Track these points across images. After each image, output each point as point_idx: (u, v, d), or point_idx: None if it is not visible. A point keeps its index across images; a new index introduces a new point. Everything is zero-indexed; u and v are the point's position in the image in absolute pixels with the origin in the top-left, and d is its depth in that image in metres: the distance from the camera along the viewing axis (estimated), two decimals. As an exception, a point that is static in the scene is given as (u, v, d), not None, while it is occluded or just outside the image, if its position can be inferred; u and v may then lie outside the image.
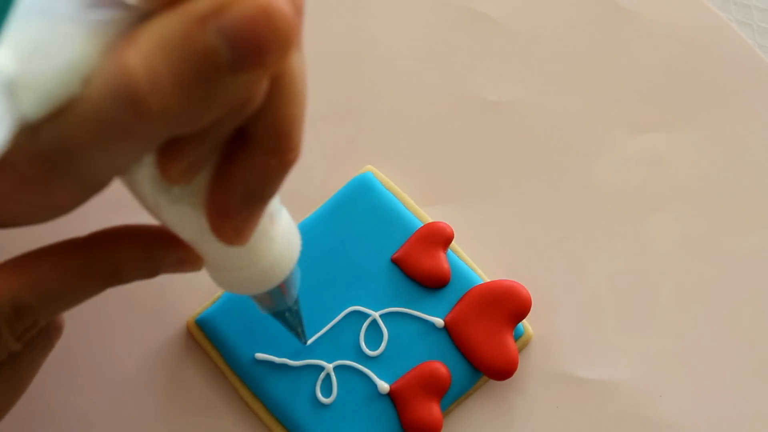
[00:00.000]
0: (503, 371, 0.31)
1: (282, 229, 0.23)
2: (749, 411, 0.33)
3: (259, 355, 0.32)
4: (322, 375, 0.31)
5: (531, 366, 0.33)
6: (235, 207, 0.20)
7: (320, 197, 0.34)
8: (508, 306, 0.32)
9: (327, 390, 0.31)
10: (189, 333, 0.33)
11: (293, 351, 0.32)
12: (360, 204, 0.33)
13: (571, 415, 0.33)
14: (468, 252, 0.34)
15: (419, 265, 0.32)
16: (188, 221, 0.21)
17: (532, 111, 0.36)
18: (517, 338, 0.32)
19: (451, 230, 0.33)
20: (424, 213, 0.34)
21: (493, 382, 0.33)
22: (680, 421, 0.33)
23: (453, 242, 0.33)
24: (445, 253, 0.33)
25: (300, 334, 0.30)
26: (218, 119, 0.18)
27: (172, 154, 0.19)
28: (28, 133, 0.18)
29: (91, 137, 0.18)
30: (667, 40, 0.37)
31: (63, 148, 0.18)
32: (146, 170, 0.20)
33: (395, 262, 0.33)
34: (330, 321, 0.32)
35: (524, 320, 0.33)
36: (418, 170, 0.35)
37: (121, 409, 0.32)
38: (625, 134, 0.36)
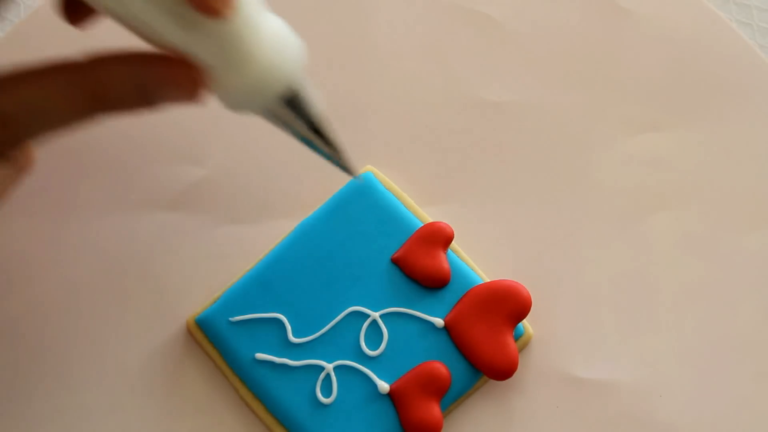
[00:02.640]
0: (503, 371, 0.31)
1: (273, 27, 0.23)
2: (749, 411, 0.33)
3: (259, 355, 0.32)
4: (322, 375, 0.31)
5: (531, 366, 0.33)
6: None
7: (320, 197, 0.34)
8: (508, 306, 0.32)
9: (327, 390, 0.31)
10: (189, 333, 0.33)
11: (293, 351, 0.32)
12: (360, 204, 0.33)
13: (571, 415, 0.33)
14: (468, 252, 0.34)
15: (419, 265, 0.32)
16: (168, 19, 0.21)
17: (532, 111, 0.36)
18: (517, 338, 0.32)
19: (451, 230, 0.33)
20: (424, 213, 0.34)
21: (493, 382, 0.33)
22: (680, 421, 0.33)
23: (453, 242, 0.33)
24: (445, 253, 0.33)
25: (339, 164, 0.26)
26: None
27: None
28: None
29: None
30: (667, 40, 0.37)
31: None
32: None
33: (395, 262, 0.33)
34: (330, 321, 0.32)
35: (524, 320, 0.33)
36: (418, 170, 0.35)
37: (121, 409, 0.32)
38: (625, 134, 0.36)
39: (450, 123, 0.36)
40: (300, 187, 0.34)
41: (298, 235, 0.33)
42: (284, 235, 0.34)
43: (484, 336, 0.32)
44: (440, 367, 0.31)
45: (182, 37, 0.22)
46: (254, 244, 0.34)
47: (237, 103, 0.23)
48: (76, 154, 0.34)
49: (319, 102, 0.25)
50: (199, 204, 0.34)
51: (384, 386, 0.31)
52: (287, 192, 0.34)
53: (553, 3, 0.37)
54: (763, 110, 0.36)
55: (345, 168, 0.27)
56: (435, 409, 0.31)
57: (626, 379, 0.33)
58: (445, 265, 0.33)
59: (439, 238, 0.33)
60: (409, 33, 0.37)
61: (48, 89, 0.22)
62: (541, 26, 0.37)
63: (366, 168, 0.35)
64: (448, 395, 0.31)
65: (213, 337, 0.32)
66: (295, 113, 0.24)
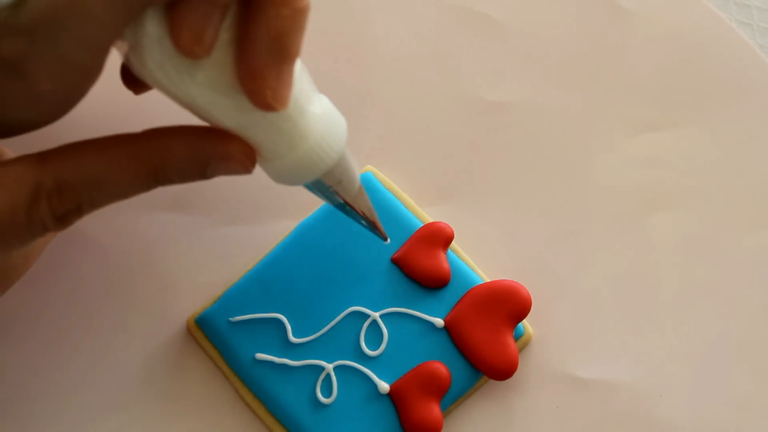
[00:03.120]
0: (503, 371, 0.31)
1: (322, 108, 0.24)
2: (749, 411, 0.33)
3: (259, 355, 0.32)
4: (322, 375, 0.31)
5: (531, 366, 0.33)
6: (264, 66, 0.21)
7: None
8: (508, 306, 0.32)
9: (327, 390, 0.31)
10: (189, 333, 0.33)
11: (293, 351, 0.32)
12: (360, 204, 0.33)
13: (571, 415, 0.33)
14: (468, 252, 0.34)
15: (419, 265, 0.32)
16: (223, 104, 0.22)
17: (532, 111, 0.36)
18: (517, 338, 0.32)
19: (451, 230, 0.33)
20: (424, 213, 0.34)
21: (493, 382, 0.33)
22: (680, 421, 0.33)
23: (453, 242, 0.33)
24: (445, 253, 0.33)
25: (374, 230, 0.30)
26: None
27: (179, 21, 0.20)
28: (12, 9, 0.19)
29: (66, 2, 0.19)
30: (667, 40, 0.37)
31: (43, 18, 0.19)
32: (165, 55, 0.21)
33: (395, 262, 0.33)
34: (330, 321, 0.32)
35: (524, 320, 0.33)
36: (418, 170, 0.35)
37: (121, 409, 0.32)
38: (625, 134, 0.36)
39: (450, 123, 0.36)
40: (300, 187, 0.34)
41: (298, 235, 0.33)
42: (284, 235, 0.34)
43: (484, 336, 0.32)
44: (440, 367, 0.31)
45: (236, 120, 0.23)
46: (254, 244, 0.34)
47: (283, 178, 0.25)
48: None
49: (357, 176, 0.27)
50: (199, 204, 0.34)
51: (384, 386, 0.31)
52: (287, 192, 0.34)
53: (553, 3, 0.37)
54: (763, 110, 0.36)
55: (377, 234, 0.30)
56: (435, 409, 0.31)
57: (626, 379, 0.33)
58: (445, 265, 0.33)
59: (439, 238, 0.33)
60: (409, 33, 0.37)
61: (109, 162, 0.22)
62: (542, 26, 0.37)
63: (366, 168, 0.35)
64: (448, 395, 0.31)
65: (213, 337, 0.32)
66: (335, 187, 0.26)
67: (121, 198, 0.23)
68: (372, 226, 0.30)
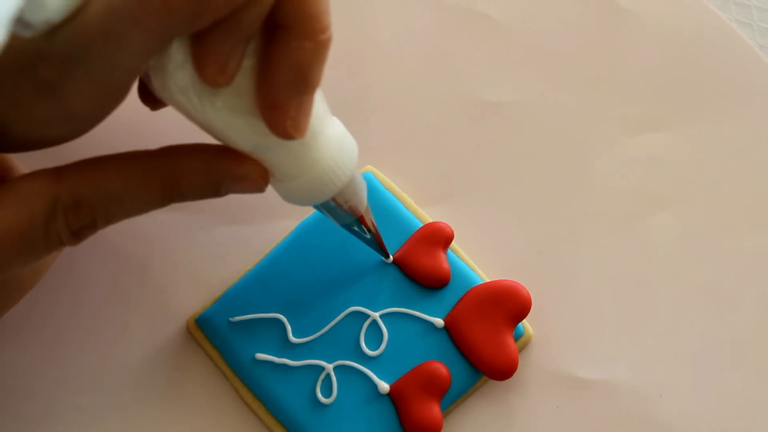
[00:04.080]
0: (503, 371, 0.31)
1: (336, 132, 0.24)
2: (749, 411, 0.33)
3: (259, 355, 0.32)
4: (322, 375, 0.31)
5: (531, 366, 0.33)
6: (286, 96, 0.22)
7: (320, 197, 0.34)
8: (508, 306, 0.32)
9: (327, 390, 0.31)
10: (189, 333, 0.33)
11: (293, 351, 0.32)
12: (360, 204, 0.33)
13: (571, 415, 0.33)
14: (468, 252, 0.34)
15: (419, 265, 0.32)
16: (241, 128, 0.22)
17: (532, 111, 0.36)
18: (517, 338, 0.32)
19: (451, 230, 0.33)
20: (424, 213, 0.34)
21: (493, 383, 0.33)
22: (680, 421, 0.33)
23: (453, 242, 0.33)
24: (445, 253, 0.33)
25: (379, 250, 0.31)
26: (235, 8, 0.20)
27: (204, 53, 0.21)
28: (48, 35, 0.19)
29: (101, 32, 0.19)
30: (667, 40, 0.37)
31: (78, 45, 0.20)
32: (187, 80, 0.21)
33: (395, 262, 0.33)
34: (330, 321, 0.32)
35: (524, 320, 0.33)
36: (418, 170, 0.35)
37: (121, 409, 0.32)
38: (625, 134, 0.36)
39: (450, 123, 0.36)
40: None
41: (298, 235, 0.33)
42: (284, 235, 0.34)
43: (484, 336, 0.32)
44: (440, 367, 0.31)
45: (252, 144, 0.23)
46: (254, 244, 0.34)
47: (294, 198, 0.25)
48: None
49: (365, 196, 0.27)
50: (199, 204, 0.34)
51: (384, 386, 0.31)
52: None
53: (553, 3, 0.37)
54: (763, 110, 0.36)
55: (381, 252, 0.31)
56: (435, 409, 0.31)
57: (626, 379, 0.33)
58: (445, 265, 0.33)
59: (439, 238, 0.33)
60: (409, 33, 0.37)
61: (126, 179, 0.23)
62: (541, 26, 0.37)
63: (366, 168, 0.35)
64: (448, 395, 0.31)
65: (213, 337, 0.32)
66: (344, 207, 0.27)
67: (136, 214, 0.24)
68: (377, 244, 0.31)
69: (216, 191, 0.24)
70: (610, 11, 0.37)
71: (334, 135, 0.24)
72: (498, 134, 0.36)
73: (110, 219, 0.23)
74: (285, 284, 0.33)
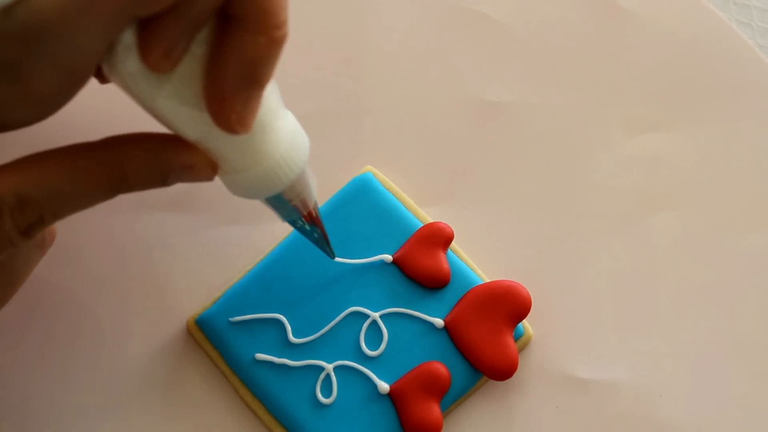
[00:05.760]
0: (503, 371, 0.31)
1: (287, 126, 0.24)
2: (749, 411, 0.33)
3: (259, 355, 0.32)
4: (322, 375, 0.31)
5: (531, 366, 0.33)
6: (233, 90, 0.21)
7: (320, 197, 0.34)
8: (508, 306, 0.32)
9: (327, 390, 0.31)
10: (189, 333, 0.33)
11: (293, 351, 0.32)
12: (360, 204, 0.33)
13: (571, 415, 0.33)
14: (468, 252, 0.34)
15: (419, 265, 0.32)
16: (188, 117, 0.22)
17: (532, 111, 0.36)
18: (517, 338, 0.32)
19: (451, 230, 0.33)
20: (424, 213, 0.34)
21: (493, 383, 0.33)
22: (680, 421, 0.33)
23: (453, 242, 0.33)
24: (445, 253, 0.33)
25: (324, 248, 0.30)
26: None
27: (149, 39, 0.20)
28: (2, 15, 0.19)
29: (57, 12, 0.19)
30: (667, 40, 0.37)
31: (34, 25, 0.19)
32: (135, 65, 0.21)
33: (395, 262, 0.33)
34: (330, 321, 0.32)
35: (524, 320, 0.33)
36: (418, 170, 0.35)
37: (121, 409, 0.32)
38: (625, 134, 0.36)
39: (450, 123, 0.36)
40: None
41: (298, 235, 0.33)
42: (284, 235, 0.34)
43: (484, 336, 0.32)
44: (440, 368, 0.31)
45: (200, 134, 0.23)
46: (254, 244, 0.34)
47: (242, 191, 0.25)
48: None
49: (315, 194, 0.27)
50: (199, 204, 0.34)
51: (384, 386, 0.31)
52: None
53: (553, 3, 0.37)
54: (763, 110, 0.36)
55: (326, 251, 0.31)
56: (435, 410, 0.31)
57: (626, 379, 0.33)
58: (445, 265, 0.33)
59: (439, 238, 0.33)
60: (409, 33, 0.37)
61: (70, 174, 0.22)
62: (541, 26, 0.37)
63: (366, 168, 0.35)
64: (448, 395, 0.31)
65: (213, 338, 0.32)
66: (293, 202, 0.26)
67: (84, 207, 0.23)
68: (324, 242, 0.30)
69: (163, 181, 0.24)
70: (610, 11, 0.37)
71: (285, 129, 0.24)
72: (498, 134, 0.36)
73: (57, 214, 0.23)
74: (285, 284, 0.33)
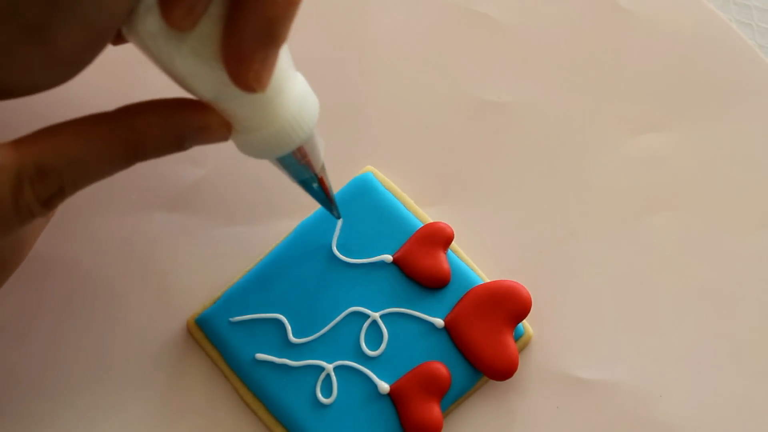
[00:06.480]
0: (503, 371, 0.31)
1: (298, 87, 0.24)
2: (749, 411, 0.33)
3: (259, 355, 0.32)
4: (322, 375, 0.31)
5: (531, 366, 0.33)
6: (251, 48, 0.21)
7: (320, 197, 0.34)
8: (508, 306, 0.32)
9: (327, 390, 0.31)
10: (189, 333, 0.33)
11: (293, 351, 0.32)
12: (360, 204, 0.33)
13: (571, 415, 0.33)
14: (468, 252, 0.34)
15: (419, 265, 0.32)
16: (205, 76, 0.22)
17: (532, 111, 0.36)
18: (517, 338, 0.32)
19: (451, 230, 0.33)
20: (424, 213, 0.34)
21: (493, 383, 0.33)
22: (680, 421, 0.33)
23: (453, 242, 0.33)
24: (445, 253, 0.33)
25: (330, 207, 0.31)
26: None
27: None
28: None
29: None
30: (667, 40, 0.37)
31: None
32: (155, 24, 0.21)
33: (395, 262, 0.33)
34: (330, 321, 0.32)
35: (524, 320, 0.33)
36: (418, 170, 0.35)
37: (121, 409, 0.32)
38: (625, 134, 0.36)
39: (450, 123, 0.36)
40: (301, 189, 0.34)
41: (298, 235, 0.33)
42: (284, 235, 0.34)
43: (484, 336, 0.32)
44: (440, 368, 0.31)
45: (215, 93, 0.23)
46: (254, 244, 0.34)
47: (253, 150, 0.25)
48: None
49: (322, 155, 0.27)
50: (199, 204, 0.34)
51: (384, 386, 0.31)
52: (287, 192, 0.34)
53: (553, 3, 0.37)
54: (762, 110, 0.36)
55: (332, 211, 0.31)
56: (435, 410, 0.31)
57: (626, 379, 0.33)
58: (445, 265, 0.33)
59: (439, 238, 0.33)
60: (409, 33, 0.37)
61: (88, 142, 0.23)
62: (541, 26, 0.37)
63: (366, 168, 0.35)
64: (448, 395, 0.31)
65: (213, 337, 0.32)
66: (302, 161, 0.27)
67: (102, 177, 0.24)
68: (329, 203, 0.30)
69: (180, 144, 0.24)
70: (610, 11, 0.37)
71: (297, 90, 0.24)
72: (498, 134, 0.36)
73: (77, 184, 0.23)
74: (285, 284, 0.33)
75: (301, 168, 0.27)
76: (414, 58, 0.37)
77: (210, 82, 0.23)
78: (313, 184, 0.29)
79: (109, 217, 0.34)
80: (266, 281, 0.33)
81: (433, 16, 0.37)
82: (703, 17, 0.37)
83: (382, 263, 0.33)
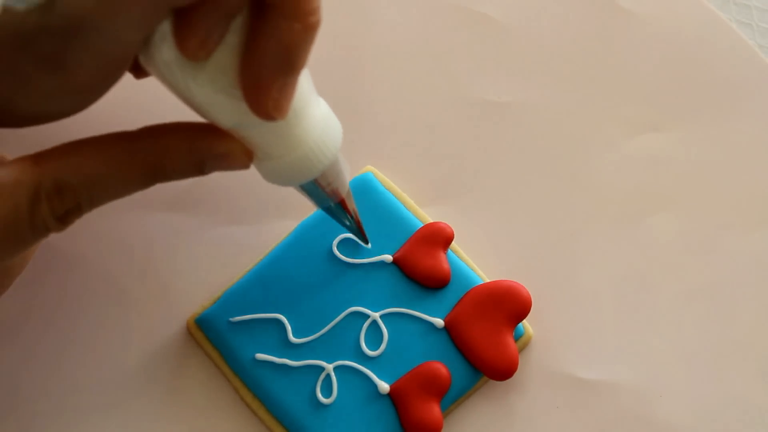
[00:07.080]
0: (503, 371, 0.31)
1: (320, 112, 0.24)
2: (749, 411, 0.33)
3: (259, 355, 0.32)
4: (322, 375, 0.31)
5: (531, 366, 0.33)
6: (269, 77, 0.21)
7: (320, 197, 0.34)
8: (508, 306, 0.32)
9: (327, 390, 0.31)
10: (189, 333, 0.33)
11: (293, 351, 0.32)
12: (360, 204, 0.33)
13: (571, 415, 0.33)
14: (468, 252, 0.34)
15: (419, 265, 0.32)
16: (223, 105, 0.22)
17: (532, 111, 0.36)
18: (517, 338, 0.32)
19: (451, 230, 0.33)
20: (424, 213, 0.34)
21: (493, 383, 0.33)
22: (680, 421, 0.33)
23: (453, 242, 0.33)
24: (445, 253, 0.33)
25: (358, 234, 0.30)
26: None
27: (185, 28, 0.20)
28: (44, 9, 0.20)
29: (97, 5, 0.20)
30: (667, 40, 0.37)
31: (75, 18, 0.20)
32: (171, 53, 0.21)
33: (395, 262, 0.33)
34: (330, 321, 0.32)
35: (524, 320, 0.33)
36: (418, 170, 0.35)
37: (121, 409, 0.32)
38: (624, 134, 0.36)
39: (450, 123, 0.36)
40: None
41: (298, 235, 0.33)
42: (284, 235, 0.34)
43: (484, 336, 0.32)
44: (440, 368, 0.31)
45: (235, 122, 0.23)
46: (254, 244, 0.34)
47: (276, 178, 0.25)
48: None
49: (347, 179, 0.27)
50: (199, 204, 0.34)
51: (384, 386, 0.31)
52: (287, 192, 0.34)
53: (553, 3, 0.37)
54: (763, 110, 0.36)
55: (360, 239, 0.31)
56: (435, 410, 0.31)
57: (626, 379, 0.33)
58: (445, 265, 0.33)
59: (439, 238, 0.33)
60: (409, 33, 0.37)
61: (108, 161, 0.23)
62: (541, 26, 0.37)
63: (366, 168, 0.35)
64: (448, 395, 0.31)
65: (213, 337, 0.32)
66: (326, 189, 0.26)
67: (121, 196, 0.24)
68: (357, 229, 0.30)
69: (200, 170, 0.24)
70: (610, 12, 0.37)
71: (318, 115, 0.24)
72: (498, 134, 0.36)
73: (94, 202, 0.23)
74: (285, 284, 0.33)
75: (326, 195, 0.27)
76: (414, 58, 0.37)
77: (228, 110, 0.22)
78: (339, 211, 0.29)
79: (110, 217, 0.34)
80: (266, 281, 0.33)
81: (434, 16, 0.37)
82: (703, 17, 0.37)
83: (382, 263, 0.33)
